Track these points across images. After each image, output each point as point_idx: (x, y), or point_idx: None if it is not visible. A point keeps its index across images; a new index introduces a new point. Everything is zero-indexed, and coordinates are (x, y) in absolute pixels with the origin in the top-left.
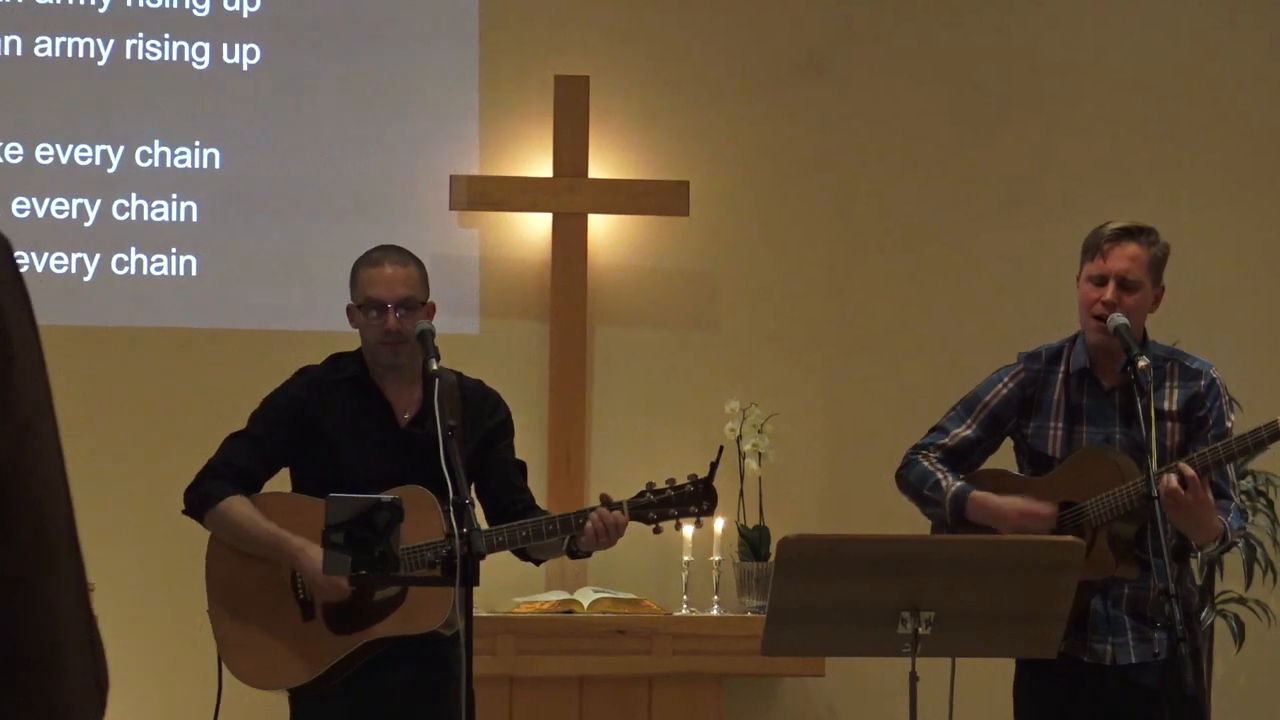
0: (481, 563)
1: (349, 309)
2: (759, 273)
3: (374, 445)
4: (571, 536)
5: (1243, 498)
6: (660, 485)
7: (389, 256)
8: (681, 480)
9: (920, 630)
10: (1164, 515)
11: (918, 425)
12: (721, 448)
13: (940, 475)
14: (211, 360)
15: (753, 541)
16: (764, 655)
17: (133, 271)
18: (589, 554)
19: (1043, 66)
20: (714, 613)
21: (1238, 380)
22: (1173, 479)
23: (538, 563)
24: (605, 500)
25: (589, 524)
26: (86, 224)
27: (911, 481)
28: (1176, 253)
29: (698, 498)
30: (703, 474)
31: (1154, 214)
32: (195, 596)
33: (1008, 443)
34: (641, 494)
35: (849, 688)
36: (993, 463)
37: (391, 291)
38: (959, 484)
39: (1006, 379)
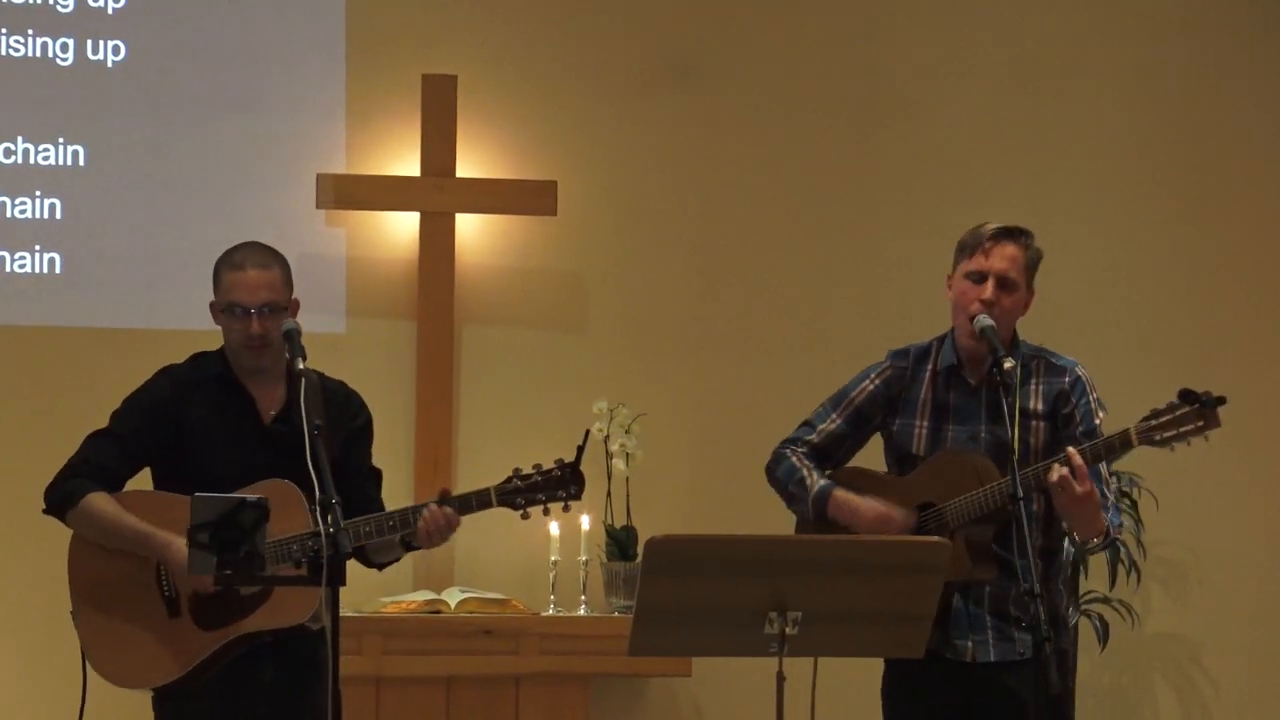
0: (348, 562)
1: (212, 306)
2: (626, 273)
3: (238, 442)
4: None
5: (1127, 502)
6: (527, 470)
7: (251, 258)
8: (548, 465)
9: (787, 630)
10: (1029, 515)
11: (784, 425)
12: (588, 431)
13: (805, 472)
14: (75, 359)
15: (620, 541)
16: (631, 655)
17: None
18: (421, 547)
19: (909, 71)
20: (581, 613)
21: (1106, 381)
22: (1063, 469)
23: (380, 567)
24: (443, 495)
25: (420, 524)
26: None
27: (779, 477)
28: (1045, 255)
29: (565, 482)
30: (569, 459)
31: (1022, 216)
32: (62, 597)
33: (878, 438)
34: (509, 480)
35: (716, 688)
36: (862, 458)
37: (254, 296)
38: (822, 482)
39: (874, 375)
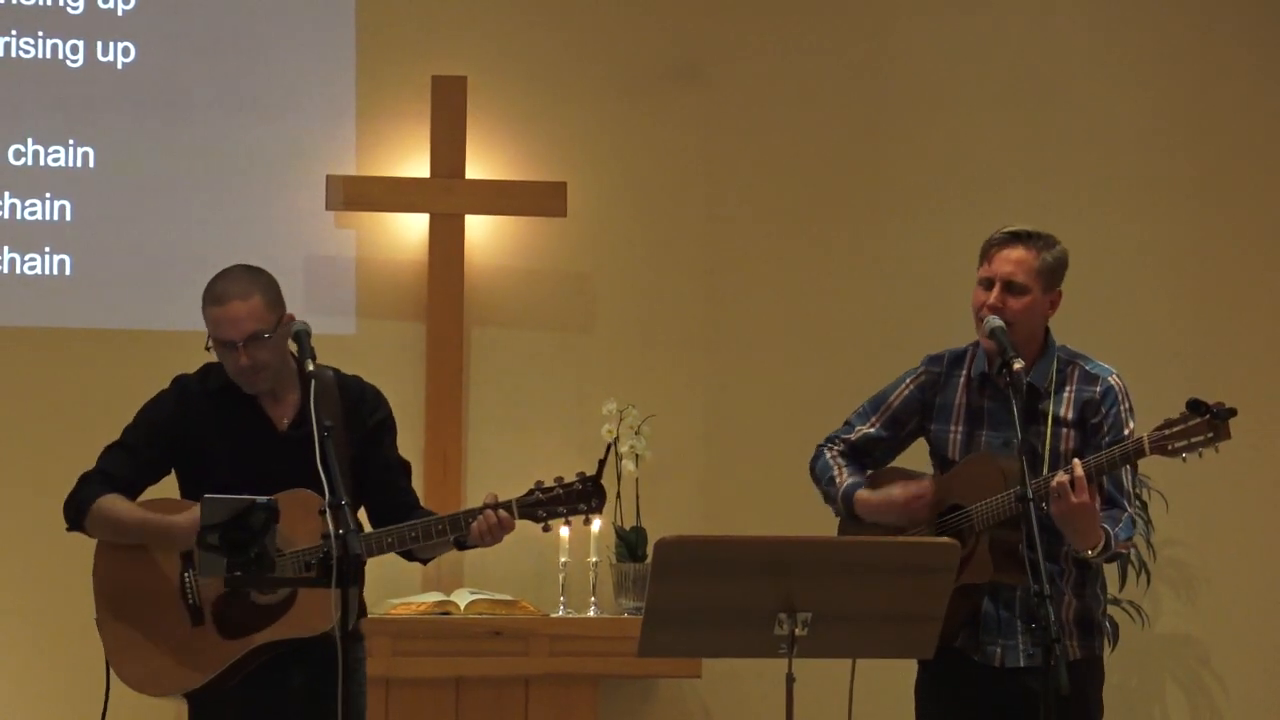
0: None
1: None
2: (636, 274)
3: (253, 451)
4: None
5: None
6: (549, 484)
7: (231, 289)
8: (570, 478)
9: (797, 631)
10: (1040, 518)
11: (793, 426)
12: (610, 445)
13: (836, 471)
14: (85, 360)
15: (630, 543)
16: (640, 656)
17: (5, 271)
18: (475, 546)
19: (918, 70)
20: (590, 614)
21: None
22: (1062, 476)
23: (425, 561)
24: (491, 501)
25: (475, 524)
26: None
27: (816, 474)
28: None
29: (586, 495)
30: (590, 472)
31: (1029, 218)
32: (75, 602)
33: (921, 443)
34: (530, 493)
35: (725, 689)
36: (905, 460)
37: (237, 330)
38: (850, 480)
39: (909, 381)
